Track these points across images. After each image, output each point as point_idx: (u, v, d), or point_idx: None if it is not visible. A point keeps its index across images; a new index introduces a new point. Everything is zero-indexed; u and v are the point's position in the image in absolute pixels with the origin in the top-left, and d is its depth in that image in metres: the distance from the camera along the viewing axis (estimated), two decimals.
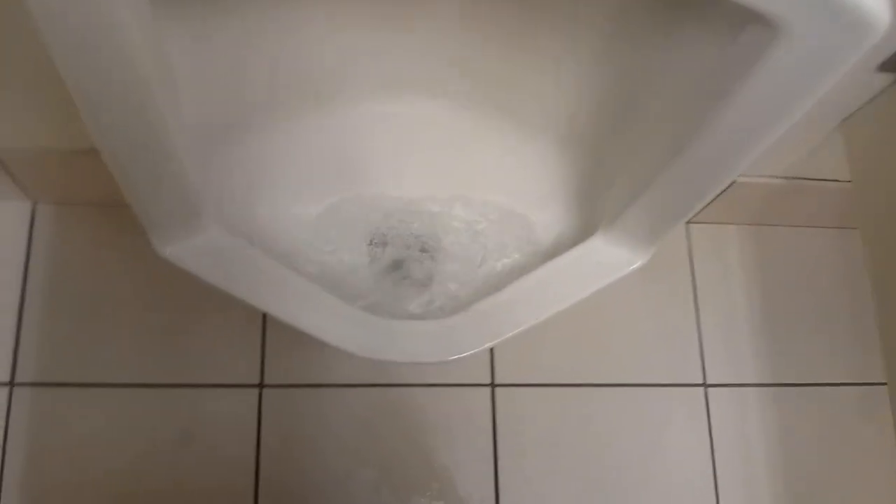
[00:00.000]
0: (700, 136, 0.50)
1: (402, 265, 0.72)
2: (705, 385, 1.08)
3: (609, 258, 0.66)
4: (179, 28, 0.52)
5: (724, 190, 0.66)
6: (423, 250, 0.72)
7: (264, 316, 0.98)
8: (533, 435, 1.02)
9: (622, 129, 0.64)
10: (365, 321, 0.62)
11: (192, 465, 0.94)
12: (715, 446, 1.05)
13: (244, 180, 0.68)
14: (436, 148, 0.74)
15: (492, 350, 1.03)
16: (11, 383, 0.93)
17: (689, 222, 1.13)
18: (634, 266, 0.65)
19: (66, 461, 0.91)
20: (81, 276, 0.98)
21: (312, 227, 0.71)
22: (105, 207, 0.99)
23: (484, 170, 0.75)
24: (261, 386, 0.97)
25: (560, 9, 0.60)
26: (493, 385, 1.02)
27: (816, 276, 1.16)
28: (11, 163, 0.89)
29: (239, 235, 0.62)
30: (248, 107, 0.65)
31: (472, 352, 0.62)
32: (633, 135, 0.62)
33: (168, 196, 0.55)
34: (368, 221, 0.73)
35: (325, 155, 0.72)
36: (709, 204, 0.60)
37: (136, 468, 0.92)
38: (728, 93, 0.46)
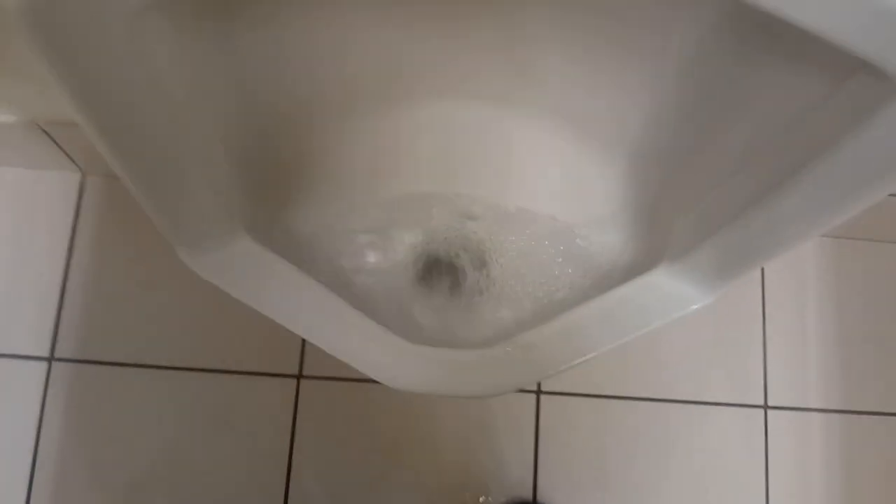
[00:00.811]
0: (791, 184, 0.43)
1: (449, 281, 0.68)
2: (766, 407, 1.01)
3: (671, 294, 0.59)
4: (208, 26, 0.47)
5: None
6: (473, 266, 0.68)
7: None
8: (577, 446, 0.97)
9: (699, 159, 0.57)
10: (403, 349, 0.58)
11: (225, 451, 0.92)
12: (770, 472, 0.99)
13: (282, 187, 0.64)
14: (494, 157, 0.69)
15: None
16: (51, 358, 0.92)
17: None
18: (699, 305, 0.59)
19: (100, 439, 0.91)
20: (126, 252, 0.96)
21: (356, 236, 0.66)
22: None
23: (544, 184, 0.69)
24: (299, 377, 0.95)
25: (644, 21, 0.53)
26: (538, 392, 0.98)
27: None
28: (58, 136, 0.88)
29: (274, 245, 0.58)
30: (289, 110, 0.60)
31: (512, 389, 0.58)
32: (710, 166, 0.55)
33: (196, 208, 0.51)
34: (416, 231, 0.68)
35: (373, 160, 0.68)
36: None
37: (168, 451, 0.92)
38: (826, 145, 0.39)
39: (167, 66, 0.38)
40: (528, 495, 0.95)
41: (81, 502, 0.89)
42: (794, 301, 1.05)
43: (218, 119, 0.48)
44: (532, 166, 0.69)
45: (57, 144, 0.90)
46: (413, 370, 0.57)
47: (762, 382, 1.02)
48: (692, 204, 0.57)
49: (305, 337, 0.56)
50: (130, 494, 0.90)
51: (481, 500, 0.94)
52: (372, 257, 0.66)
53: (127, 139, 0.39)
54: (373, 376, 0.57)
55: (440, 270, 0.68)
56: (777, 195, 0.45)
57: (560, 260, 0.67)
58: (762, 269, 1.06)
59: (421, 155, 0.68)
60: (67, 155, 0.93)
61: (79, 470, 0.90)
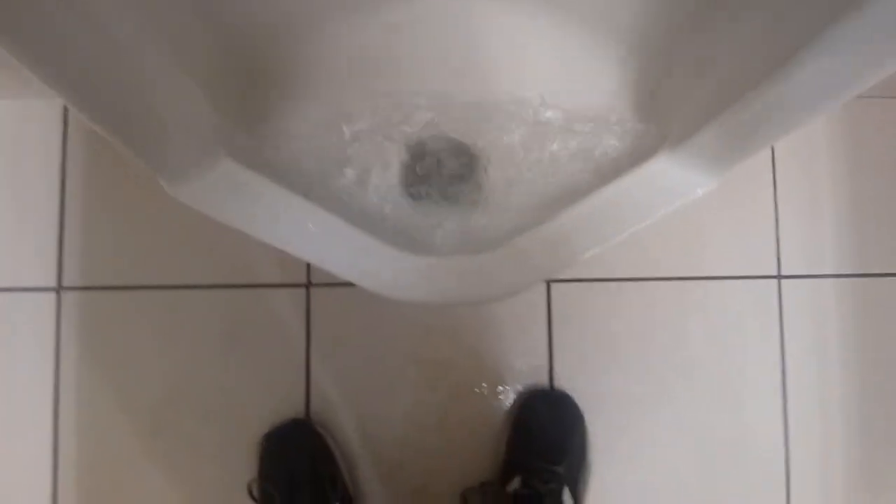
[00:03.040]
0: (793, 64, 0.40)
1: (445, 184, 0.66)
2: (779, 277, 1.00)
3: (674, 181, 0.57)
4: None
5: None
6: (468, 167, 0.65)
7: None
8: (591, 330, 0.97)
9: (696, 42, 0.53)
10: (395, 258, 0.56)
11: (243, 365, 0.93)
12: (785, 342, 0.99)
13: (260, 102, 0.61)
14: (489, 48, 0.65)
15: None
16: (59, 287, 0.92)
17: None
18: (703, 191, 0.57)
19: (118, 364, 0.92)
20: (121, 172, 0.95)
21: (344, 145, 0.64)
22: None
23: (540, 73, 0.65)
24: (308, 285, 0.95)
25: None
26: (549, 280, 0.97)
27: None
28: None
29: (259, 164, 0.56)
30: (258, 26, 0.57)
31: (517, 292, 0.57)
32: (709, 49, 0.52)
33: (168, 138, 0.49)
34: (406, 125, 0.65)
35: (358, 59, 0.64)
36: None
37: (187, 369, 0.93)
38: (828, 23, 0.36)
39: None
40: (545, 382, 0.96)
41: (108, 428, 0.92)
42: (804, 165, 1.02)
43: (178, 46, 0.45)
44: (523, 54, 0.65)
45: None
46: (413, 280, 0.57)
47: (775, 252, 1.00)
48: (692, 88, 0.54)
49: (300, 256, 0.55)
50: (156, 415, 0.92)
51: (499, 388, 0.95)
52: (361, 164, 0.64)
53: (75, 81, 0.37)
54: (373, 290, 0.56)
55: (434, 174, 0.65)
56: (778, 76, 0.42)
57: (558, 151, 0.64)
58: None
59: (404, 52, 0.65)
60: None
61: (101, 397, 0.92)
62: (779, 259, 1.00)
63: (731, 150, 0.52)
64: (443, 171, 0.67)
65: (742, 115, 0.48)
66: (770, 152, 1.02)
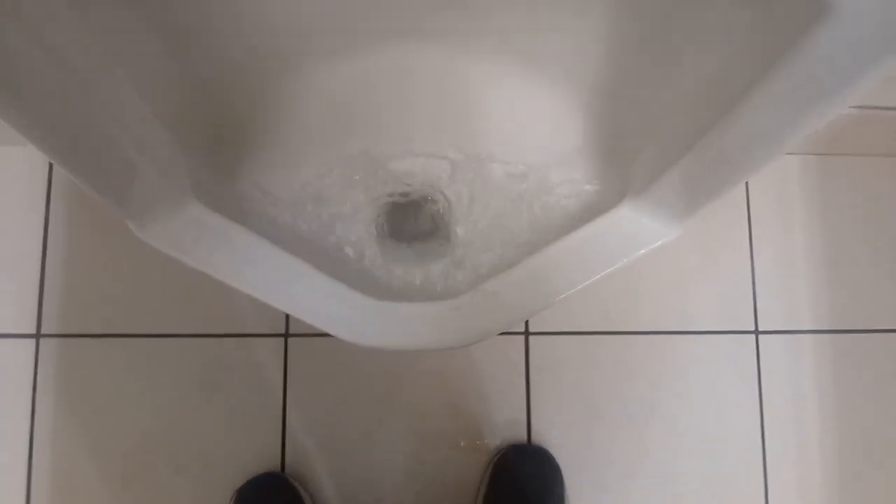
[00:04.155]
0: (740, 109, 0.42)
1: (412, 232, 0.67)
2: (756, 332, 1.01)
3: (637, 230, 0.58)
4: None
5: None
6: (436, 217, 0.66)
7: None
8: (569, 384, 0.97)
9: (654, 92, 0.55)
10: (368, 307, 0.57)
11: (219, 414, 0.93)
12: (763, 396, 0.99)
13: (231, 147, 0.62)
14: (451, 99, 0.67)
15: None
16: (38, 334, 0.92)
17: None
18: (665, 240, 0.58)
19: (94, 411, 0.92)
20: (104, 221, 0.96)
21: (311, 192, 0.65)
22: None
23: (503, 124, 0.67)
24: (286, 335, 0.95)
25: None
26: (526, 333, 0.98)
27: (887, 211, 1.06)
28: None
29: (227, 209, 0.57)
30: (235, 65, 0.58)
31: (481, 338, 0.57)
32: (665, 97, 0.53)
33: (134, 179, 0.50)
34: (376, 182, 0.67)
35: (327, 113, 0.66)
36: None
37: (162, 418, 0.92)
38: (768, 69, 0.38)
39: (66, 38, 0.36)
40: (523, 436, 0.96)
41: (82, 476, 0.91)
42: (781, 223, 1.04)
43: (148, 85, 0.47)
44: (489, 108, 0.67)
45: None
46: (380, 327, 0.57)
47: (752, 307, 1.01)
48: (650, 138, 0.55)
49: (267, 301, 0.56)
50: (129, 464, 0.91)
51: (477, 442, 0.95)
52: (331, 214, 0.65)
53: (34, 115, 0.38)
54: (341, 336, 0.56)
55: (402, 222, 0.67)
56: (727, 122, 0.44)
57: (523, 201, 0.65)
58: (747, 192, 1.04)
59: (374, 105, 0.67)
60: None
61: (76, 444, 0.91)
62: (756, 314, 1.01)
63: (688, 198, 0.54)
64: (413, 222, 0.68)
65: (694, 165, 0.49)
66: (746, 209, 1.04)
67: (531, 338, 0.97)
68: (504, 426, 0.96)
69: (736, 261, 1.03)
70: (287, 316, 0.95)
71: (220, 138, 0.61)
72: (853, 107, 0.91)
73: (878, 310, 1.02)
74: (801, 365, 1.00)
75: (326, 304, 0.57)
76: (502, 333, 0.95)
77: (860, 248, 1.04)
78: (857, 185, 1.06)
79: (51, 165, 0.96)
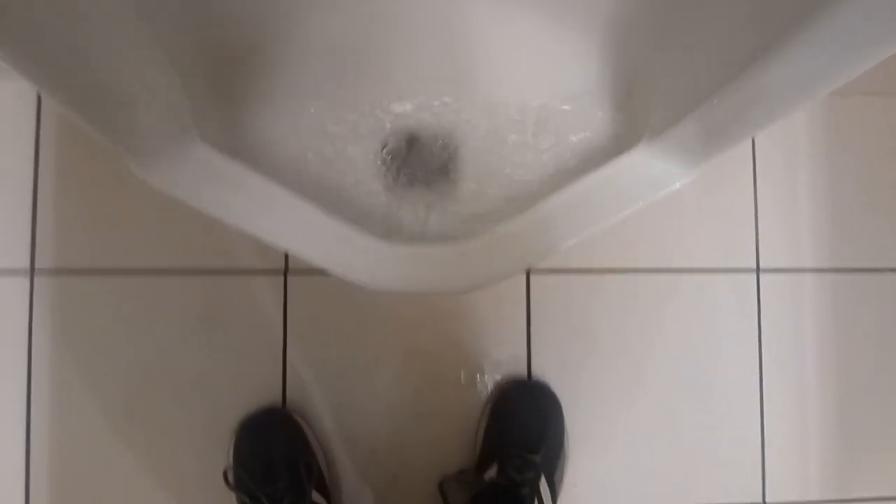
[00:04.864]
0: (774, 55, 0.40)
1: (424, 173, 0.65)
2: (758, 270, 1.00)
3: (653, 172, 0.57)
4: None
5: None
6: (448, 157, 0.65)
7: None
8: (569, 320, 0.97)
9: (676, 32, 0.53)
10: (373, 247, 0.56)
11: (219, 352, 0.92)
12: (763, 335, 0.99)
13: (237, 87, 0.60)
14: (457, 40, 0.64)
15: None
16: (31, 269, 0.91)
17: None
18: (682, 182, 0.57)
19: (92, 351, 0.91)
20: (96, 153, 0.93)
21: (315, 133, 0.63)
22: None
23: (515, 65, 0.65)
24: (286, 272, 0.94)
25: None
26: (528, 270, 0.97)
27: (894, 151, 1.04)
28: None
29: (233, 149, 0.55)
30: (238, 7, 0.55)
31: (494, 282, 0.56)
32: (689, 39, 0.51)
33: (137, 117, 0.47)
34: (381, 123, 0.65)
35: (331, 56, 0.63)
36: None
37: (162, 357, 0.92)
38: (810, 11, 0.36)
39: None
40: (524, 372, 0.96)
41: (82, 412, 0.90)
42: (785, 160, 1.02)
43: (151, 20, 0.44)
44: (502, 47, 0.64)
45: None
46: (390, 270, 0.56)
47: (754, 246, 1.01)
48: (671, 80, 0.53)
49: (274, 243, 0.54)
50: (130, 400, 0.91)
51: (478, 378, 0.95)
52: (336, 155, 0.63)
53: (29, 50, 0.36)
54: (349, 278, 0.55)
55: (413, 164, 0.65)
56: (759, 68, 0.42)
57: (537, 144, 0.64)
58: None
59: (377, 47, 0.64)
60: None
61: (75, 380, 0.90)
62: (758, 252, 1.01)
63: (709, 142, 0.52)
64: (421, 161, 0.66)
65: (720, 108, 0.47)
66: (751, 147, 1.02)
67: (532, 276, 0.97)
68: (505, 362, 0.96)
69: (739, 198, 1.02)
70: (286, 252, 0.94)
71: (221, 75, 0.58)
72: None
73: (882, 250, 1.02)
74: (802, 304, 1.01)
75: (334, 246, 0.55)
76: None
77: (865, 188, 1.03)
78: (863, 123, 1.04)
79: (39, 99, 0.93)
